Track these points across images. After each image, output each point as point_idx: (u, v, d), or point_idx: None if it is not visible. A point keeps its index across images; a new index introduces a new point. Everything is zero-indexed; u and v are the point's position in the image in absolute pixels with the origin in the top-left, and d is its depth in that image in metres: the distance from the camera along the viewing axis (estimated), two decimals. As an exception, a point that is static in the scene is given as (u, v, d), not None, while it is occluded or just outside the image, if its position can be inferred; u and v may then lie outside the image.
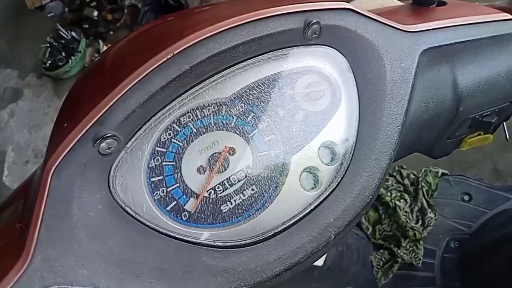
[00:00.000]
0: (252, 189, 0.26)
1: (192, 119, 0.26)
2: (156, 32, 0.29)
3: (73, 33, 1.93)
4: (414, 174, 0.91)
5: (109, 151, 0.23)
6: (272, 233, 0.26)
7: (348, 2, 0.28)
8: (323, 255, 0.28)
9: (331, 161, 0.28)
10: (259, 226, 0.26)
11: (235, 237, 0.26)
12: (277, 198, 0.27)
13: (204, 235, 0.26)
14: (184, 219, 0.25)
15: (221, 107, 0.26)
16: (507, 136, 0.41)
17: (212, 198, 0.26)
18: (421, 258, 0.81)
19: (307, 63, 0.28)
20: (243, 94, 0.27)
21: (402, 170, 0.93)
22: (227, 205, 0.26)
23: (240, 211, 0.26)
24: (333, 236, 0.27)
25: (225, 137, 0.26)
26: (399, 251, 0.83)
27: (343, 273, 0.81)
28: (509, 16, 0.33)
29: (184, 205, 0.26)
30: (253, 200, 0.26)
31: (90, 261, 0.23)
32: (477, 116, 0.35)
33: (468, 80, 0.32)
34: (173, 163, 0.26)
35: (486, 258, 0.73)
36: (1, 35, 2.13)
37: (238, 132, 0.27)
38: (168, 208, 0.25)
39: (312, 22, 0.26)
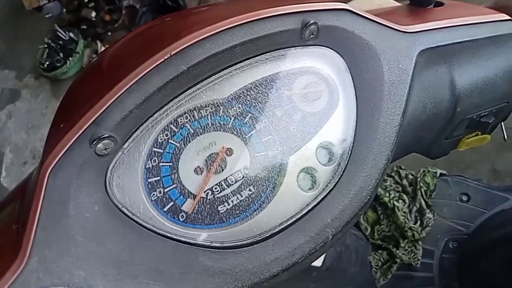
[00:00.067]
0: (250, 190, 0.26)
1: (189, 120, 0.26)
2: (154, 32, 0.29)
3: (71, 34, 1.93)
4: (412, 175, 0.91)
5: (106, 152, 0.23)
6: (270, 233, 0.26)
7: (345, 3, 0.28)
8: (321, 255, 0.28)
9: (329, 161, 0.28)
10: (257, 226, 0.26)
11: (232, 238, 0.26)
12: (275, 199, 0.27)
13: (201, 236, 0.26)
14: (181, 220, 0.25)
15: (218, 107, 0.26)
16: (505, 137, 0.41)
17: (210, 199, 0.26)
18: (420, 259, 0.81)
19: (304, 64, 0.28)
20: (241, 95, 0.27)
21: (400, 171, 0.93)
22: (225, 206, 0.26)
23: (237, 211, 0.26)
24: (330, 237, 0.27)
25: (223, 137, 0.26)
26: (397, 251, 0.83)
27: (342, 273, 0.81)
28: (506, 17, 0.33)
29: (181, 206, 0.25)
30: (250, 200, 0.26)
31: (86, 262, 0.23)
32: (474, 117, 0.35)
33: (466, 81, 0.32)
34: (170, 163, 0.25)
35: (484, 258, 0.73)
36: (-1, 36, 2.13)
37: (235, 132, 0.26)
38: (165, 209, 0.25)
39: (310, 23, 0.26)
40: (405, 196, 0.88)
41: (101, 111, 0.22)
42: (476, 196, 0.80)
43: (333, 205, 0.27)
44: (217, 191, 0.26)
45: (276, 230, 0.26)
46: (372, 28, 0.28)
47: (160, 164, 0.25)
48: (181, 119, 0.26)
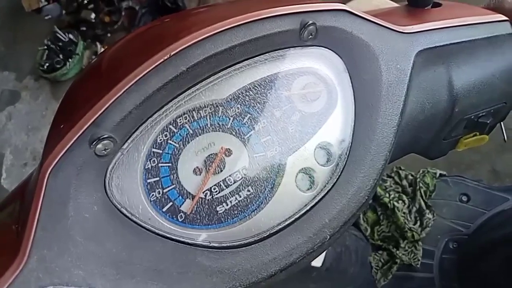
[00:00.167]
0: (248, 190, 0.26)
1: (188, 120, 0.26)
2: (153, 33, 0.29)
3: (71, 36, 1.93)
4: (412, 175, 0.91)
5: (105, 153, 0.23)
6: (268, 233, 0.26)
7: (343, 4, 0.28)
8: (318, 255, 0.28)
9: (327, 162, 0.28)
10: (255, 227, 0.26)
11: (230, 238, 0.26)
12: (273, 199, 0.27)
13: (200, 236, 0.26)
14: (180, 220, 0.26)
15: (217, 108, 0.27)
16: (505, 137, 0.41)
17: (208, 199, 0.26)
18: (420, 259, 0.81)
19: (303, 64, 0.28)
20: (240, 95, 0.27)
21: (400, 171, 0.93)
22: (223, 206, 0.26)
23: (235, 212, 0.26)
24: (328, 237, 0.27)
25: (222, 138, 0.26)
26: (397, 252, 0.83)
27: (342, 274, 0.81)
28: (503, 17, 0.34)
29: (180, 206, 0.26)
30: (249, 201, 0.26)
31: (86, 262, 0.23)
32: (472, 117, 0.35)
33: (463, 81, 0.33)
34: (169, 164, 0.26)
35: (484, 259, 0.73)
36: (-1, 38, 2.13)
37: (234, 133, 0.27)
38: (164, 209, 0.25)
39: (308, 23, 0.26)
40: (404, 197, 0.88)
41: (100, 111, 0.22)
42: (476, 196, 0.80)
43: (331, 205, 0.27)
44: (216, 191, 0.26)
45: (274, 230, 0.27)
46: (370, 29, 0.28)
47: (159, 164, 0.25)
48: (180, 119, 0.26)
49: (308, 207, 0.27)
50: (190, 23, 0.29)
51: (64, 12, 1.99)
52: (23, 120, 1.98)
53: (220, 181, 0.26)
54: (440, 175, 0.88)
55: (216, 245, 0.26)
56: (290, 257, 0.26)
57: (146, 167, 0.25)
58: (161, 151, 0.25)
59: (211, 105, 0.26)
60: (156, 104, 0.25)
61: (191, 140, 0.26)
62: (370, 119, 0.28)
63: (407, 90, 0.29)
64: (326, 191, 0.28)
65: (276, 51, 0.27)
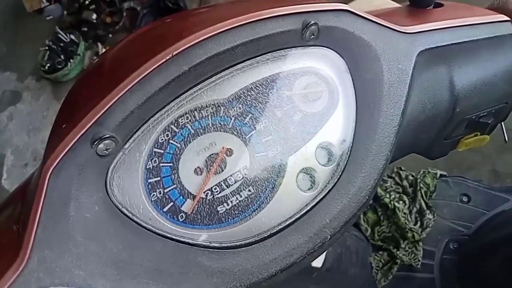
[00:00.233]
0: (249, 190, 0.26)
1: (190, 120, 0.26)
2: (155, 33, 0.29)
3: (72, 36, 1.93)
4: (412, 176, 0.91)
5: (107, 152, 0.23)
6: (268, 233, 0.26)
7: (345, 4, 0.28)
8: (319, 255, 0.28)
9: (328, 162, 0.28)
10: (255, 227, 0.26)
11: (231, 238, 0.26)
12: (274, 199, 0.27)
13: (201, 236, 0.26)
14: (181, 220, 0.26)
15: (219, 108, 0.27)
16: (506, 138, 0.41)
17: (209, 199, 0.26)
18: (420, 260, 0.81)
19: (305, 64, 0.28)
20: (241, 95, 0.27)
21: (401, 172, 0.93)
22: (224, 206, 0.26)
23: (236, 212, 0.26)
24: (329, 237, 0.27)
25: (223, 138, 0.26)
26: (398, 252, 0.83)
27: (342, 275, 0.81)
28: (505, 18, 0.34)
29: (181, 206, 0.26)
30: (249, 201, 0.26)
31: (86, 262, 0.23)
32: (473, 117, 0.35)
33: (465, 81, 0.32)
34: (171, 164, 0.26)
35: (485, 259, 0.73)
36: (0, 38, 2.13)
37: (235, 133, 0.27)
38: (165, 209, 0.25)
39: (310, 23, 0.26)
40: (405, 197, 0.88)
41: (102, 111, 0.22)
42: (476, 197, 0.80)
43: (331, 205, 0.27)
44: (217, 191, 0.26)
45: (275, 230, 0.26)
46: (372, 29, 0.28)
47: (161, 164, 0.25)
48: (182, 119, 0.26)
49: (309, 207, 0.27)
50: (192, 23, 0.29)
51: (65, 12, 1.99)
52: (24, 121, 1.98)
53: (221, 181, 0.26)
54: (441, 175, 0.88)
55: (216, 245, 0.26)
56: (291, 257, 0.26)
57: (147, 167, 0.25)
58: (162, 151, 0.25)
59: (212, 105, 0.26)
60: (158, 104, 0.25)
61: (192, 140, 0.26)
62: (371, 119, 0.28)
63: (409, 90, 0.29)
64: (327, 191, 0.28)
65: (278, 51, 0.27)
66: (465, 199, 0.81)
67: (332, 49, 0.28)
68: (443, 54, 0.31)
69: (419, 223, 0.84)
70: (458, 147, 0.38)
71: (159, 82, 0.23)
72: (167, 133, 0.26)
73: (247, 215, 0.26)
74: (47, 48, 1.93)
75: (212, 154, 0.26)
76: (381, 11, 0.37)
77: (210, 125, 0.26)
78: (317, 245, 0.27)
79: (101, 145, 0.23)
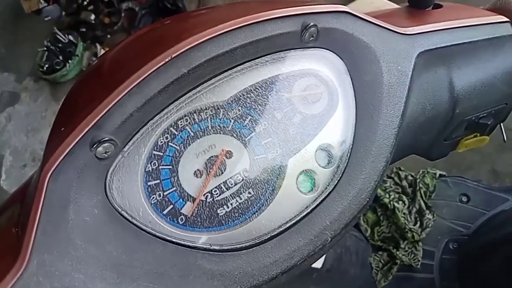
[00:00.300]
0: (249, 193, 0.26)
1: (189, 123, 0.26)
2: (154, 35, 0.29)
3: (71, 37, 1.93)
4: (412, 176, 0.91)
5: (106, 155, 0.23)
6: (269, 236, 0.26)
7: (344, 5, 0.28)
8: (320, 258, 0.28)
9: (328, 163, 0.28)
10: (256, 229, 0.26)
11: (231, 241, 0.26)
12: (274, 201, 0.27)
13: (201, 239, 0.26)
14: (181, 223, 0.25)
15: (218, 110, 0.26)
16: (505, 138, 0.41)
17: (209, 202, 0.26)
18: (420, 260, 0.81)
19: (304, 66, 0.28)
20: (241, 97, 0.27)
21: (400, 172, 0.93)
22: (224, 209, 0.26)
23: (236, 214, 0.26)
24: (329, 239, 0.27)
25: (222, 140, 0.26)
26: (398, 252, 0.83)
27: (342, 275, 0.81)
28: (504, 19, 0.34)
29: (181, 209, 0.25)
30: (249, 203, 0.26)
31: (86, 266, 0.22)
32: (473, 118, 0.35)
33: (464, 82, 0.32)
34: (170, 166, 0.25)
35: (484, 259, 0.73)
36: (-1, 39, 2.13)
37: (235, 135, 0.27)
38: (164, 212, 0.25)
39: (310, 25, 0.26)
40: (404, 197, 0.88)
41: (101, 114, 0.22)
42: (476, 197, 0.80)
43: (332, 207, 0.27)
44: (217, 194, 0.26)
45: (275, 232, 0.26)
46: (371, 30, 0.28)
47: (160, 167, 0.25)
48: (181, 121, 0.26)
49: (309, 209, 0.27)
50: (191, 25, 0.29)
51: (64, 13, 1.99)
52: (22, 122, 1.98)
53: (221, 184, 0.26)
54: (440, 175, 0.88)
55: (217, 248, 0.26)
56: (292, 259, 0.26)
57: (146, 170, 0.25)
58: (162, 154, 0.25)
59: (212, 107, 0.26)
60: (157, 107, 0.25)
61: (192, 143, 0.26)
62: (371, 120, 0.28)
63: (408, 91, 0.29)
64: (327, 193, 0.27)
65: (277, 53, 0.27)
66: (464, 199, 0.81)
67: (331, 51, 0.28)
68: (443, 55, 0.31)
69: (418, 223, 0.84)
70: (458, 148, 0.38)
71: (158, 84, 0.23)
72: (166, 135, 0.26)
73: (247, 217, 0.26)
74: (45, 49, 1.93)
75: (212, 156, 0.26)
76: (380, 13, 0.37)
77: (210, 127, 0.26)
78: (318, 247, 0.26)
79: (100, 148, 0.23)
